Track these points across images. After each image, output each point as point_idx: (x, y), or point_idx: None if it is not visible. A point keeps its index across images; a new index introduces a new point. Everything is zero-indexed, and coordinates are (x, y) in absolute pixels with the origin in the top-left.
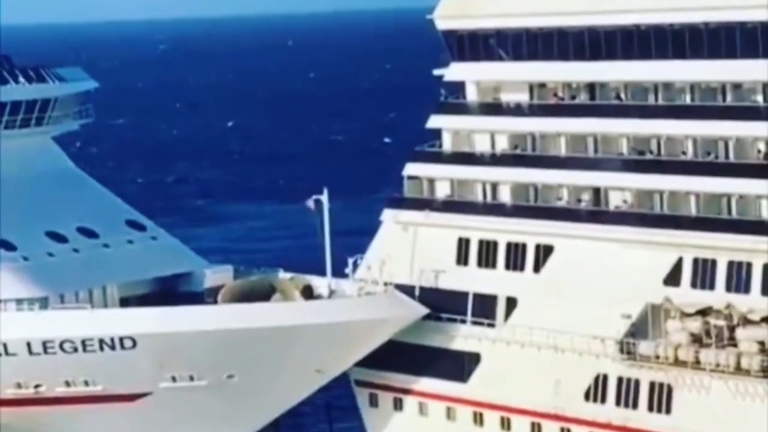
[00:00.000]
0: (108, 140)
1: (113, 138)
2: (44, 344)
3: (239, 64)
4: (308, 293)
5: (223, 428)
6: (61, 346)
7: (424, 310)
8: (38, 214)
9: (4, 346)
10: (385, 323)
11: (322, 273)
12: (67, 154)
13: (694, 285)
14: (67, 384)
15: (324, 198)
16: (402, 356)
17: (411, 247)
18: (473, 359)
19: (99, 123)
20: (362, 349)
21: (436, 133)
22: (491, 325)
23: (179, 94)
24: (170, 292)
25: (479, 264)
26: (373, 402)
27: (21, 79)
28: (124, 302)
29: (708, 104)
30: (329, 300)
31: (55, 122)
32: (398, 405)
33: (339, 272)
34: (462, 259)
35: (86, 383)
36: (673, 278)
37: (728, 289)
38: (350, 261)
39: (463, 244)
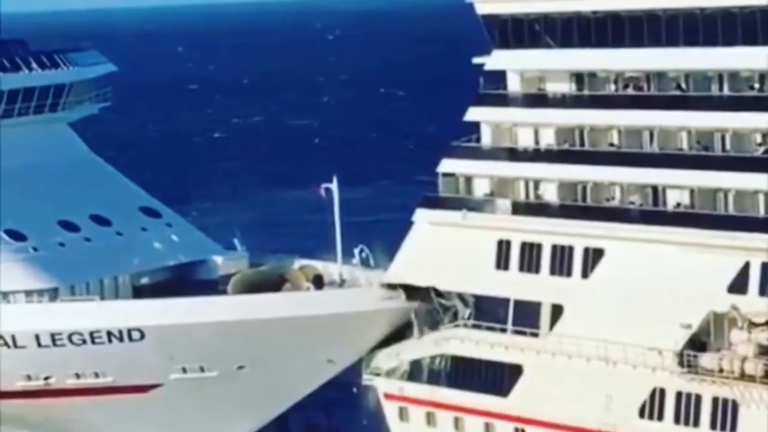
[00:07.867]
0: (123, 125)
1: (128, 123)
2: (53, 336)
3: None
4: (319, 282)
5: (233, 419)
6: (70, 338)
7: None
8: (51, 201)
9: (13, 338)
10: (396, 312)
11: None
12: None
13: (763, 292)
14: (77, 376)
15: (334, 186)
16: (436, 367)
17: (446, 249)
18: (514, 371)
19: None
20: (373, 339)
21: (475, 127)
22: (534, 335)
23: (195, 81)
24: (184, 280)
25: (521, 268)
26: (404, 416)
27: (34, 65)
28: (138, 291)
29: None
30: (339, 290)
31: (70, 108)
32: (431, 420)
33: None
34: (502, 263)
35: (96, 375)
36: (739, 285)
37: None
38: (356, 251)
39: (503, 247)
